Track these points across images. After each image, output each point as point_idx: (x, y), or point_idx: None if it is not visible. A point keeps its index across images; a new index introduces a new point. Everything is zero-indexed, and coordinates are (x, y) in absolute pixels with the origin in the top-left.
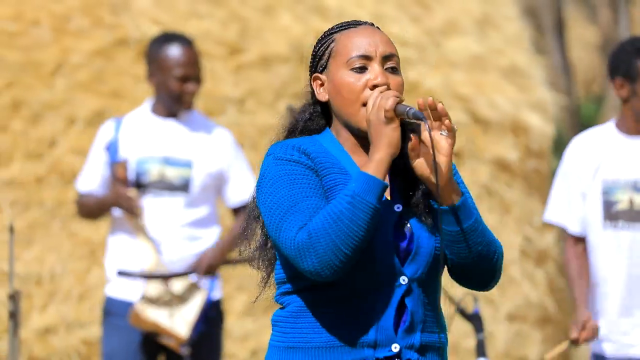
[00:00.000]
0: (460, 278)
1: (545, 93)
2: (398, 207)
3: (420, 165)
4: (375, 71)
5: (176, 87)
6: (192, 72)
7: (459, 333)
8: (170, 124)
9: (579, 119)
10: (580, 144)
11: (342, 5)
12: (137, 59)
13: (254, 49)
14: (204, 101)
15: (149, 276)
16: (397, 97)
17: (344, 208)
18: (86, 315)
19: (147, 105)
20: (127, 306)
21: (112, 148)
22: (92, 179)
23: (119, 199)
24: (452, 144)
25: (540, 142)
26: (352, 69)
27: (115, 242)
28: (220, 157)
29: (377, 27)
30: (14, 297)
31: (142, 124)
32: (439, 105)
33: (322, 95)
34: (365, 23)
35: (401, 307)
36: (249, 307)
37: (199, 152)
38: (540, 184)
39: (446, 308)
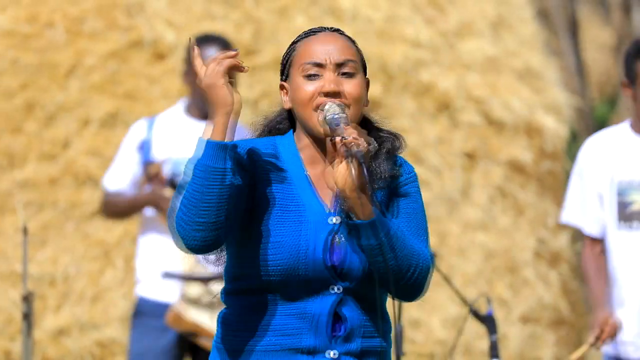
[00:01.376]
0: (385, 289)
1: (559, 94)
2: (332, 220)
3: (327, 173)
4: (326, 78)
5: None
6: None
7: (472, 334)
8: (204, 125)
9: (593, 120)
10: (595, 145)
11: (356, 6)
12: (152, 61)
13: (268, 51)
14: None
15: (193, 278)
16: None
17: (188, 179)
18: (100, 317)
19: (180, 105)
20: (160, 307)
21: (145, 148)
22: (122, 177)
23: (157, 199)
24: (359, 166)
25: (554, 143)
26: (305, 76)
27: (147, 242)
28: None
29: (341, 32)
30: (27, 298)
31: (176, 124)
32: (348, 140)
33: (286, 103)
34: (327, 29)
35: (338, 315)
36: None
37: None
38: (554, 186)
39: (460, 309)
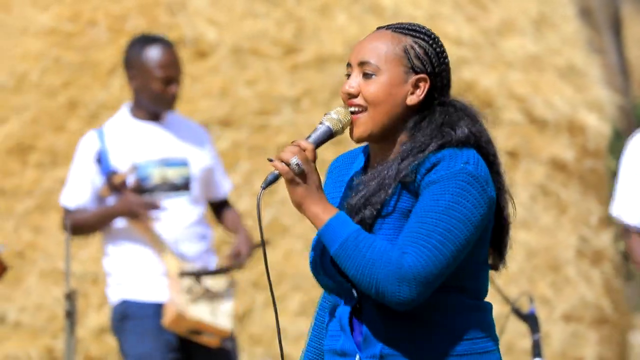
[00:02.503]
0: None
1: (602, 92)
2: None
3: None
4: (349, 80)
5: (159, 88)
6: (174, 74)
7: (514, 333)
8: (154, 127)
9: (635, 118)
10: None
11: (397, 5)
12: (193, 59)
13: (310, 49)
14: (259, 101)
15: (208, 273)
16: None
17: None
18: None
19: (125, 110)
20: (149, 307)
21: (102, 159)
22: (81, 193)
23: (130, 206)
24: (289, 181)
25: (597, 141)
26: (345, 76)
27: (121, 252)
28: (207, 152)
29: (394, 28)
30: (70, 296)
31: (127, 130)
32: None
33: None
34: (381, 28)
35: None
36: (304, 307)
37: (190, 149)
38: (596, 184)
39: (502, 308)
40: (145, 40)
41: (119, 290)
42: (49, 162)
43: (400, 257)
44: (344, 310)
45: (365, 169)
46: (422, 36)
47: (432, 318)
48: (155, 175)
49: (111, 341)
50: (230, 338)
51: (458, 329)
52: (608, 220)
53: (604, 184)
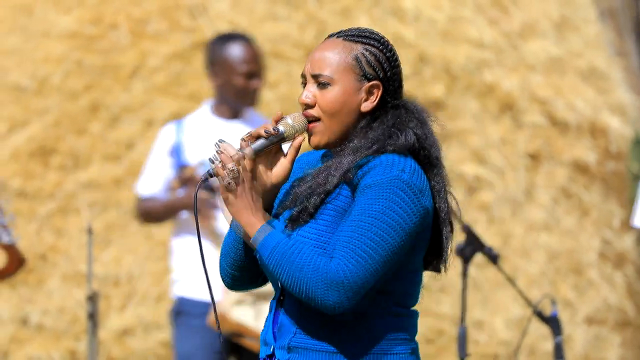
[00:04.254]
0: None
1: (624, 95)
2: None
3: None
4: (305, 90)
5: (242, 83)
6: (256, 68)
7: (536, 336)
8: (234, 124)
9: None
10: None
11: (419, 7)
12: None
13: None
14: (281, 104)
15: None
16: (249, 135)
17: (228, 231)
18: (163, 317)
19: (206, 107)
20: (202, 305)
21: (176, 151)
22: (155, 182)
23: (190, 201)
24: (224, 186)
25: (619, 144)
26: (302, 85)
27: (183, 244)
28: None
29: (344, 36)
30: (92, 298)
31: (205, 125)
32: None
33: None
34: (332, 36)
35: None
36: None
37: None
38: (618, 186)
39: (524, 310)
40: (226, 37)
41: (177, 287)
42: (71, 164)
43: (327, 262)
44: (272, 302)
45: None
46: (372, 42)
47: (345, 317)
48: None
49: (133, 343)
50: None
51: (369, 330)
52: (630, 223)
53: (626, 186)
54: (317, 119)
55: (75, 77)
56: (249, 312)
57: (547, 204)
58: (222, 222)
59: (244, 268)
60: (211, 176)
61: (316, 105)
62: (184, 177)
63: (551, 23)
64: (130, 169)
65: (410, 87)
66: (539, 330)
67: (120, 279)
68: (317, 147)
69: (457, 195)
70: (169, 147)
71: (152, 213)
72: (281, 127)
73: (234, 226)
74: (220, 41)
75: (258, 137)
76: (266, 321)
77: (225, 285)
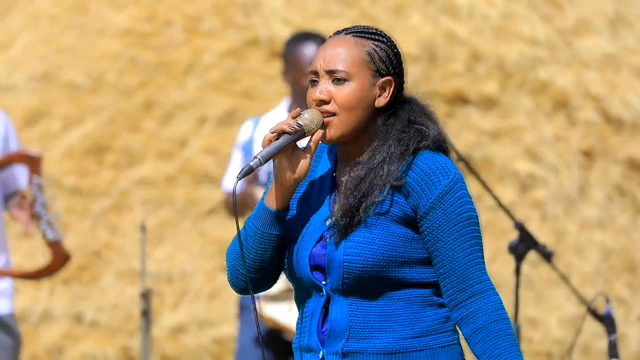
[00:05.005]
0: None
1: None
2: (327, 221)
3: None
4: (319, 87)
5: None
6: None
7: (590, 334)
8: None
9: None
10: None
11: (472, 3)
12: (268, 59)
13: None
14: None
15: None
16: (275, 132)
17: (240, 233)
18: (217, 314)
19: (284, 105)
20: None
21: (247, 148)
22: (232, 177)
23: (247, 198)
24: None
25: None
26: (309, 83)
27: None
28: None
29: (355, 32)
30: (145, 296)
31: (277, 122)
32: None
33: None
34: (339, 33)
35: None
36: None
37: None
38: None
39: (577, 308)
40: (300, 37)
41: None
42: (125, 162)
43: (488, 306)
44: (315, 307)
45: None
46: (380, 39)
47: (397, 312)
48: None
49: (186, 340)
50: None
51: (421, 324)
52: None
53: None
54: (333, 114)
55: (129, 75)
56: (284, 307)
57: (601, 202)
58: None
59: (264, 269)
60: (252, 170)
61: (332, 100)
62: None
63: (605, 19)
64: (184, 167)
65: (463, 84)
66: (593, 328)
67: (173, 276)
68: (330, 141)
69: (511, 192)
70: (242, 143)
71: (228, 208)
72: (303, 123)
73: (265, 223)
74: (294, 40)
75: (281, 133)
76: (303, 327)
77: (238, 291)
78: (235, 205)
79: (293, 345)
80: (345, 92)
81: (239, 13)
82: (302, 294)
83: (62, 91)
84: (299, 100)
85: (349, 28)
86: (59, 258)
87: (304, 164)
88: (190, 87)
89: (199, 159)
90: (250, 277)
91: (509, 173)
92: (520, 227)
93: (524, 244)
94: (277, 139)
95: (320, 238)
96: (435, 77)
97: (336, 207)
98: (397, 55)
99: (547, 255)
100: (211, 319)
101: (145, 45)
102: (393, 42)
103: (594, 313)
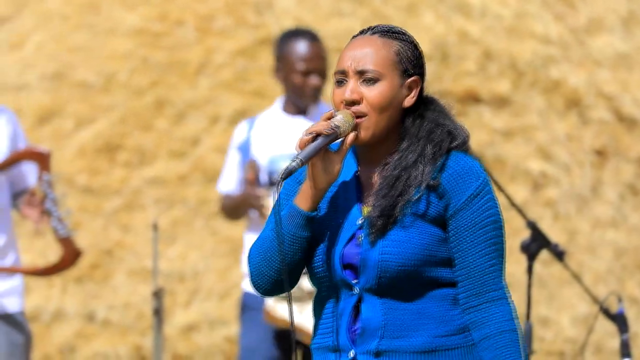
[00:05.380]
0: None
1: None
2: (359, 220)
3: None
4: (347, 87)
5: (299, 81)
6: (315, 66)
7: (602, 333)
8: (299, 120)
9: None
10: None
11: (485, 3)
12: None
13: None
14: None
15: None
16: (312, 134)
17: (268, 235)
18: (229, 313)
19: (278, 103)
20: (263, 301)
21: (244, 148)
22: (229, 180)
23: (249, 199)
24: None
25: None
26: (336, 83)
27: (250, 241)
28: None
29: (380, 32)
30: (157, 294)
31: (272, 122)
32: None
33: None
34: (366, 32)
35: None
36: None
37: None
38: None
39: (590, 307)
40: (290, 34)
41: (244, 282)
42: (137, 161)
43: (505, 312)
44: (344, 306)
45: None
46: (405, 38)
47: (429, 310)
48: None
49: (198, 339)
50: None
51: (452, 322)
52: None
53: None
54: (364, 115)
55: (141, 74)
56: (294, 307)
57: (614, 201)
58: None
59: (292, 271)
60: (294, 170)
61: (362, 101)
62: (245, 173)
63: (618, 18)
64: (196, 166)
65: (476, 83)
66: (605, 327)
67: (185, 275)
68: (361, 143)
69: (523, 191)
70: (238, 143)
71: (226, 210)
72: (338, 125)
73: (297, 225)
74: (284, 37)
75: (317, 135)
76: (328, 327)
77: (261, 293)
78: (277, 207)
79: (313, 346)
80: (376, 93)
81: (251, 12)
82: (327, 294)
83: (74, 90)
84: (292, 98)
85: (374, 28)
86: (70, 254)
87: (336, 166)
88: (202, 86)
89: (210, 158)
90: (276, 279)
91: (521, 172)
92: (532, 226)
93: (536, 243)
94: (313, 141)
95: (352, 237)
96: (448, 76)
97: (370, 207)
98: (421, 54)
99: (559, 255)
100: (223, 317)
101: (157, 44)
102: (416, 41)
103: (606, 312)
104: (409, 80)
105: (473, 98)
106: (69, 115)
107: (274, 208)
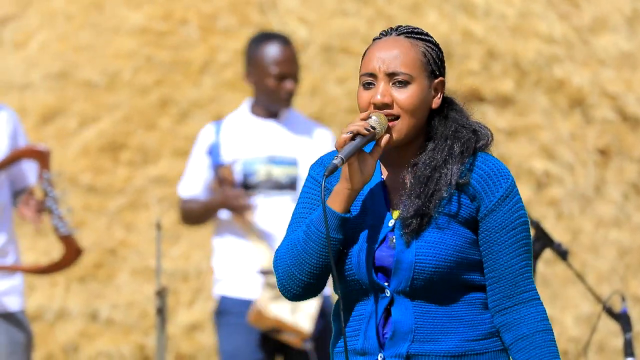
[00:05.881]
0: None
1: None
2: (391, 222)
3: None
4: (377, 89)
5: (273, 85)
6: (289, 70)
7: (606, 333)
8: (271, 123)
9: None
10: None
11: (489, 2)
12: None
13: None
14: (350, 99)
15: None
16: (351, 133)
17: (300, 237)
18: None
19: (245, 106)
20: (243, 304)
21: (214, 151)
22: (195, 183)
23: (229, 200)
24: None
25: None
26: (363, 85)
27: (223, 244)
28: (321, 153)
29: (406, 33)
30: (161, 293)
31: (243, 125)
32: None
33: None
34: (392, 33)
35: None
36: None
37: (303, 150)
38: None
39: (593, 307)
40: (262, 37)
41: (219, 286)
42: (141, 160)
43: (538, 316)
44: (373, 309)
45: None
46: (429, 39)
47: (460, 314)
48: (261, 172)
49: (201, 338)
50: (310, 339)
51: (482, 326)
52: None
53: None
54: (397, 117)
55: (145, 73)
56: (287, 307)
57: (617, 200)
58: (259, 218)
59: (323, 274)
60: (337, 168)
61: (394, 103)
62: (220, 176)
63: (622, 17)
64: None
65: (480, 83)
66: (609, 326)
67: (188, 274)
68: (394, 144)
69: (526, 190)
70: (207, 147)
71: (192, 214)
72: (375, 126)
73: (331, 227)
74: (256, 40)
75: (356, 134)
76: (355, 330)
77: (292, 298)
78: (324, 205)
79: (335, 349)
80: (408, 95)
81: (255, 11)
82: (355, 296)
83: (78, 89)
84: (262, 100)
85: (397, 28)
86: (72, 252)
87: (370, 166)
88: (206, 85)
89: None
90: (308, 283)
91: (524, 171)
92: (535, 225)
93: (539, 243)
94: (352, 140)
95: (383, 240)
96: (451, 75)
97: (400, 209)
98: (443, 56)
99: (562, 254)
100: None
101: (161, 43)
102: (437, 42)
103: (609, 311)
104: (436, 81)
105: (477, 97)
106: (73, 114)
107: (302, 207)
